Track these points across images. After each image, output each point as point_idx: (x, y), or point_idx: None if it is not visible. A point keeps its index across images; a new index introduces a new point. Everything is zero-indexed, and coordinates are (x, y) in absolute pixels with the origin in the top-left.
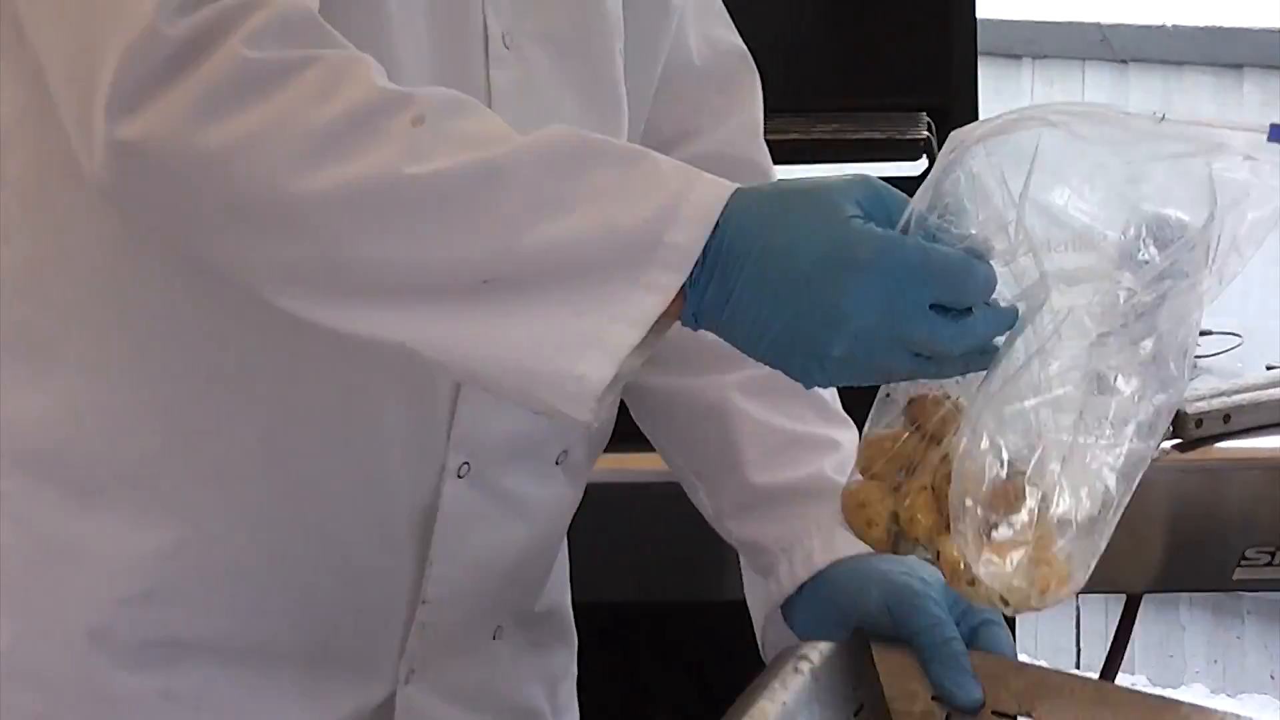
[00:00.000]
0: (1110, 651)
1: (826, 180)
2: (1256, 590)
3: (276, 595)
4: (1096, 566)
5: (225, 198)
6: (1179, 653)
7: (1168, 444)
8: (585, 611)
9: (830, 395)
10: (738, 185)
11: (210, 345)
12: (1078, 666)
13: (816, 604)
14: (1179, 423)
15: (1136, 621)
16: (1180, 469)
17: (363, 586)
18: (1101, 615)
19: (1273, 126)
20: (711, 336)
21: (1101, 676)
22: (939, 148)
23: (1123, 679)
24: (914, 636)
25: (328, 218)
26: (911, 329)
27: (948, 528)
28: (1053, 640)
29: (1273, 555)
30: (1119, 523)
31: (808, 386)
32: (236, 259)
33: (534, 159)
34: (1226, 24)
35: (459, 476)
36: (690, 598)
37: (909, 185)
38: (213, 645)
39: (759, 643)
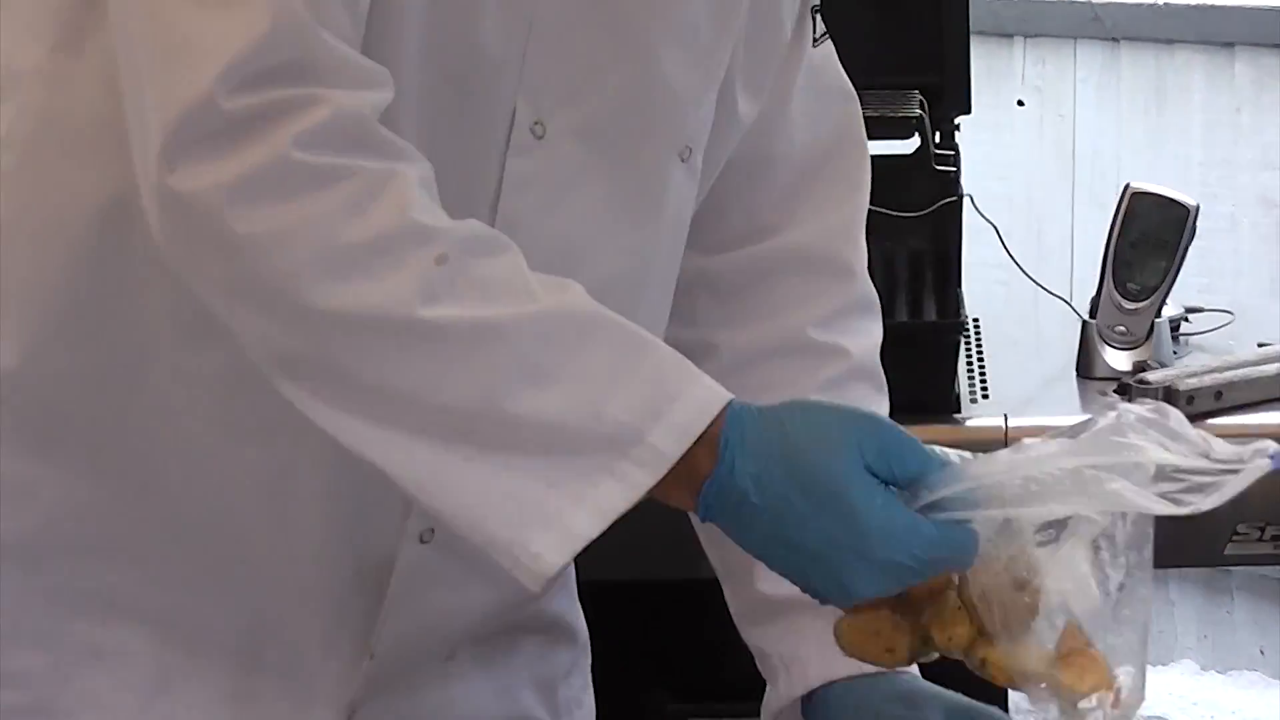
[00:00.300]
0: None
1: (833, 418)
2: (1248, 565)
3: (225, 578)
4: None
5: (246, 280)
6: (1169, 629)
7: None
8: (590, 590)
9: None
10: (731, 398)
11: (187, 352)
12: None
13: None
14: (1171, 399)
15: None
16: None
17: (315, 610)
18: None
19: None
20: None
21: None
22: (931, 126)
23: None
24: None
25: (334, 332)
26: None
27: (985, 634)
28: None
29: (1263, 530)
30: None
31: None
32: (249, 334)
33: (535, 325)
34: (1219, 2)
35: (421, 541)
36: (696, 574)
37: (901, 162)
38: (147, 613)
39: None
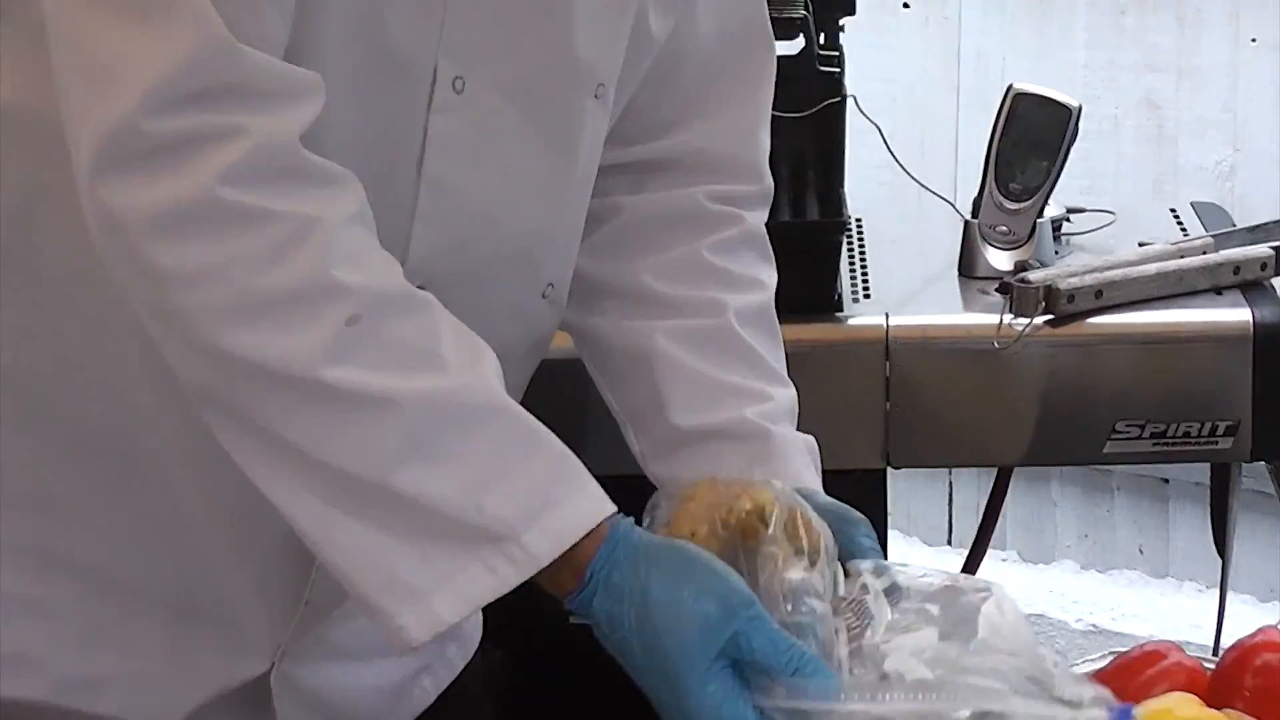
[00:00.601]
0: (981, 525)
1: (698, 590)
2: (1127, 463)
3: (157, 533)
4: (969, 439)
5: (163, 307)
6: (1050, 528)
7: (1040, 319)
8: None
9: (771, 354)
10: (614, 514)
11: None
12: (949, 543)
13: None
14: (1051, 299)
15: (1008, 497)
16: (1052, 344)
17: (248, 562)
18: (974, 490)
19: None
20: (648, 284)
21: (972, 551)
22: (815, 27)
23: (993, 555)
24: None
25: (239, 375)
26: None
27: None
28: (925, 517)
29: (1143, 428)
30: (992, 397)
31: None
32: (167, 351)
33: (432, 403)
34: None
35: None
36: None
37: (786, 63)
38: (83, 567)
39: None
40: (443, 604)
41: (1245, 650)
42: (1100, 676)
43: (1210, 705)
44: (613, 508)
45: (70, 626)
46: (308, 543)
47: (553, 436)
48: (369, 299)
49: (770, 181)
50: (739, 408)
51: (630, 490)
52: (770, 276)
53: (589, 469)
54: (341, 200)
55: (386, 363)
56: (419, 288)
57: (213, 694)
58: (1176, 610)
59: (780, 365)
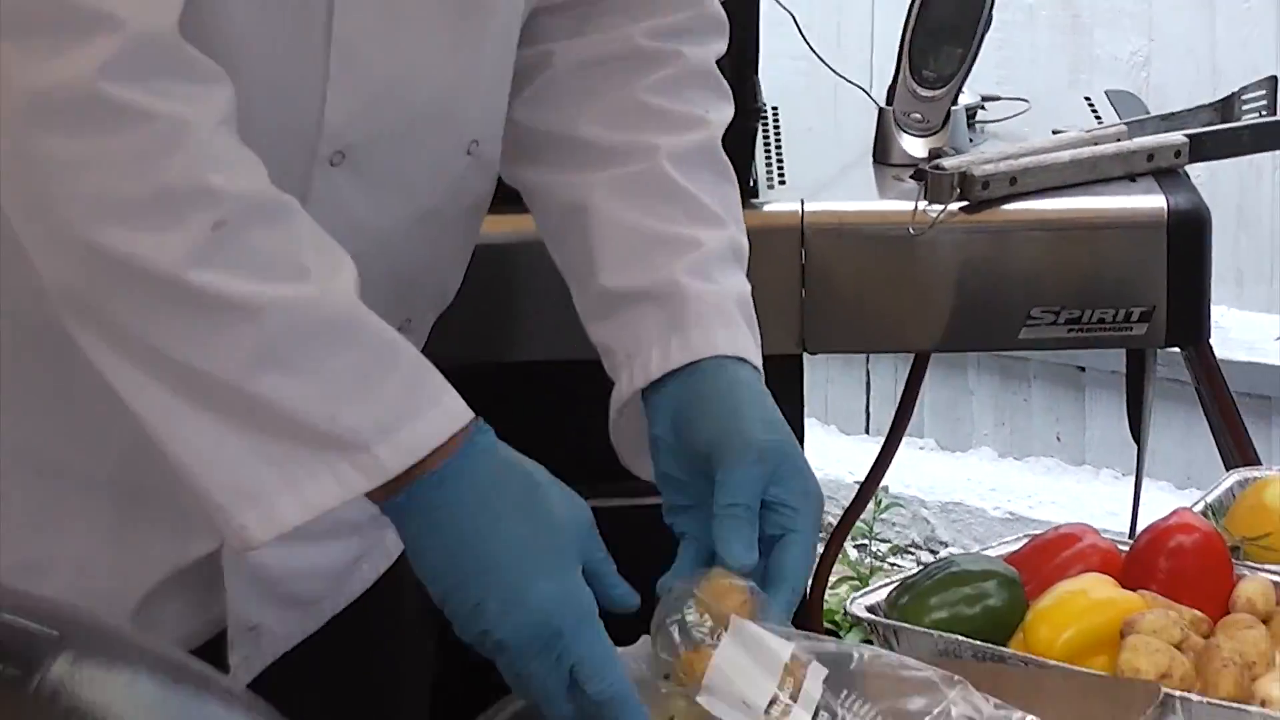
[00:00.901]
0: (897, 413)
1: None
2: (1042, 349)
3: (92, 414)
4: (885, 325)
5: (34, 193)
6: (966, 416)
7: (955, 206)
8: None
9: (710, 194)
10: (471, 426)
11: None
12: (867, 431)
13: (666, 405)
14: (966, 184)
15: (925, 386)
16: (967, 230)
17: None
18: (891, 379)
19: None
20: (584, 133)
21: (888, 439)
22: None
23: (910, 443)
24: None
25: (100, 272)
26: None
27: None
28: (844, 404)
29: (1057, 315)
30: (907, 283)
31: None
32: (30, 244)
33: (291, 316)
34: None
35: None
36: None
37: None
38: (21, 450)
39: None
40: (286, 507)
41: (1159, 532)
42: (1015, 559)
43: (1125, 587)
44: (468, 417)
45: (14, 512)
46: (154, 438)
47: (411, 349)
48: (236, 205)
49: (717, 8)
50: (669, 262)
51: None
52: (719, 112)
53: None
54: (214, 100)
55: (250, 269)
56: (337, 153)
57: (163, 576)
58: (1093, 497)
59: (724, 205)
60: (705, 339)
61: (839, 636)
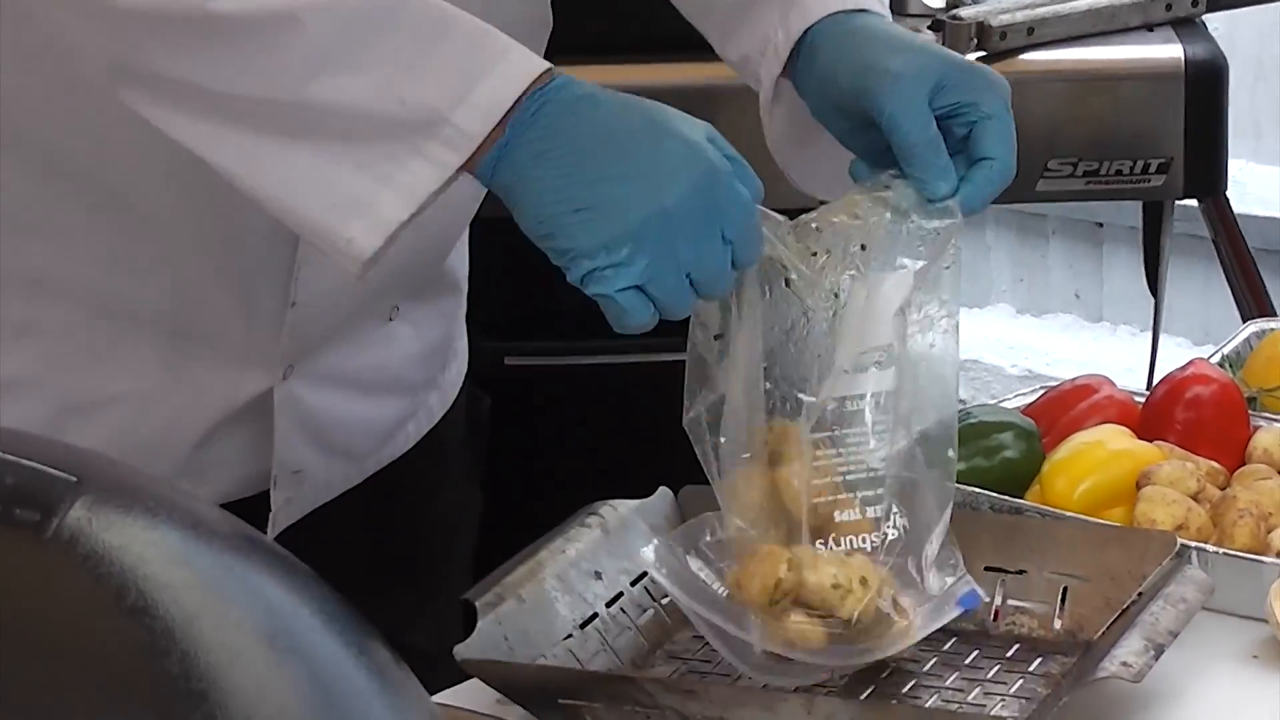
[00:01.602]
0: None
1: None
2: (1060, 200)
3: (142, 253)
4: None
5: None
6: (985, 273)
7: (972, 56)
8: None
9: None
10: (547, 75)
11: None
12: None
13: (810, 79)
14: (983, 35)
15: None
16: None
17: (232, 273)
18: None
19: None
20: None
21: None
22: None
23: None
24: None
25: (135, 31)
26: (714, 222)
27: None
28: None
29: (1074, 166)
30: None
31: (566, 268)
32: (79, 40)
33: (334, 13)
34: None
35: None
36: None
37: None
38: (73, 289)
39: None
40: (387, 204)
41: (1176, 383)
42: (1031, 411)
43: (1141, 438)
44: (543, 65)
45: (65, 348)
46: (246, 191)
47: (464, 14)
48: None
49: None
50: None
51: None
52: None
53: None
54: None
55: None
56: None
57: (218, 417)
58: (1111, 353)
59: None
60: (819, 2)
61: None
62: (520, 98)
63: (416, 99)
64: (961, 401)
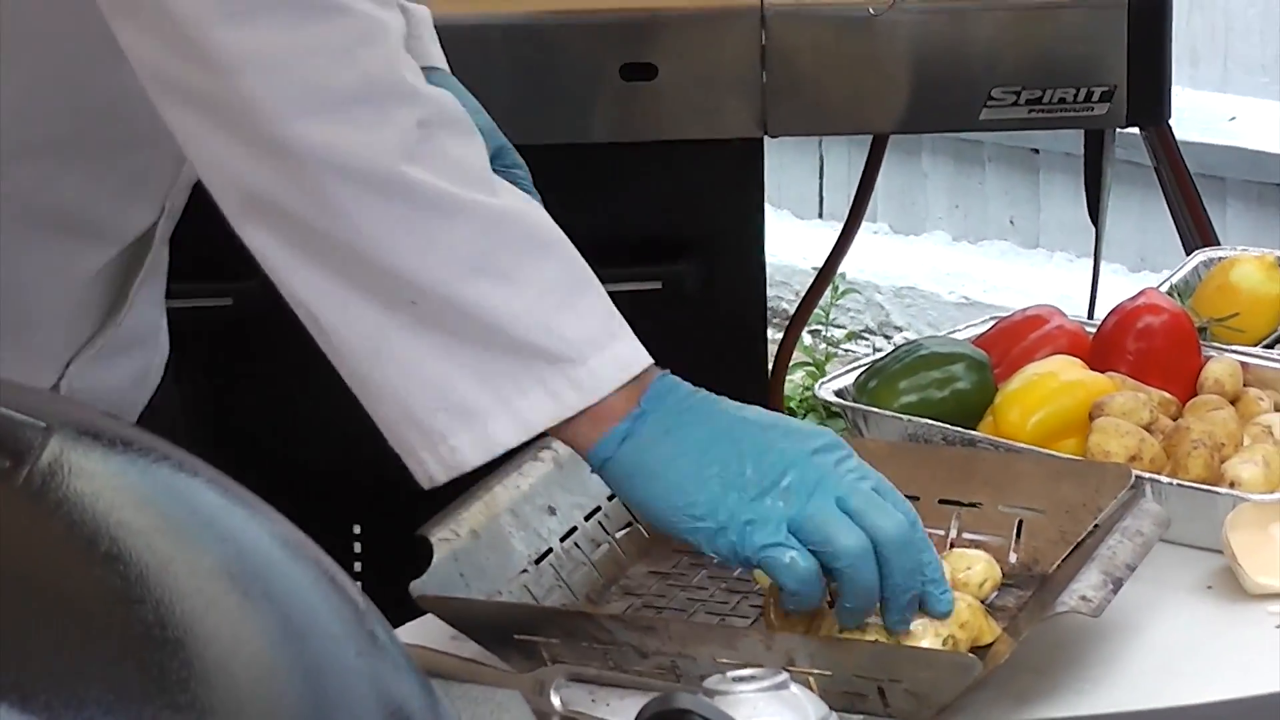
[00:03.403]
0: (856, 197)
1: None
2: (1002, 130)
3: None
4: (846, 109)
5: (222, 98)
6: (921, 200)
7: None
8: None
9: None
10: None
11: None
12: (820, 216)
13: None
14: None
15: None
16: (926, 10)
17: (49, 300)
18: (844, 163)
19: None
20: None
21: (847, 223)
22: None
23: (865, 228)
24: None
25: (306, 170)
26: (834, 493)
27: None
28: (796, 189)
29: (1018, 95)
30: (867, 64)
31: (711, 550)
32: (209, 152)
33: (501, 220)
34: None
35: None
36: None
37: None
38: None
39: None
40: (501, 426)
41: (1126, 314)
42: (982, 342)
43: (1092, 368)
44: (649, 359)
45: None
46: (353, 362)
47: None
48: (433, 108)
49: None
50: None
51: None
52: None
53: None
54: (395, 12)
55: (452, 174)
56: None
57: None
58: (1047, 281)
59: None
60: None
61: None
62: (646, 371)
63: (561, 330)
64: (898, 330)
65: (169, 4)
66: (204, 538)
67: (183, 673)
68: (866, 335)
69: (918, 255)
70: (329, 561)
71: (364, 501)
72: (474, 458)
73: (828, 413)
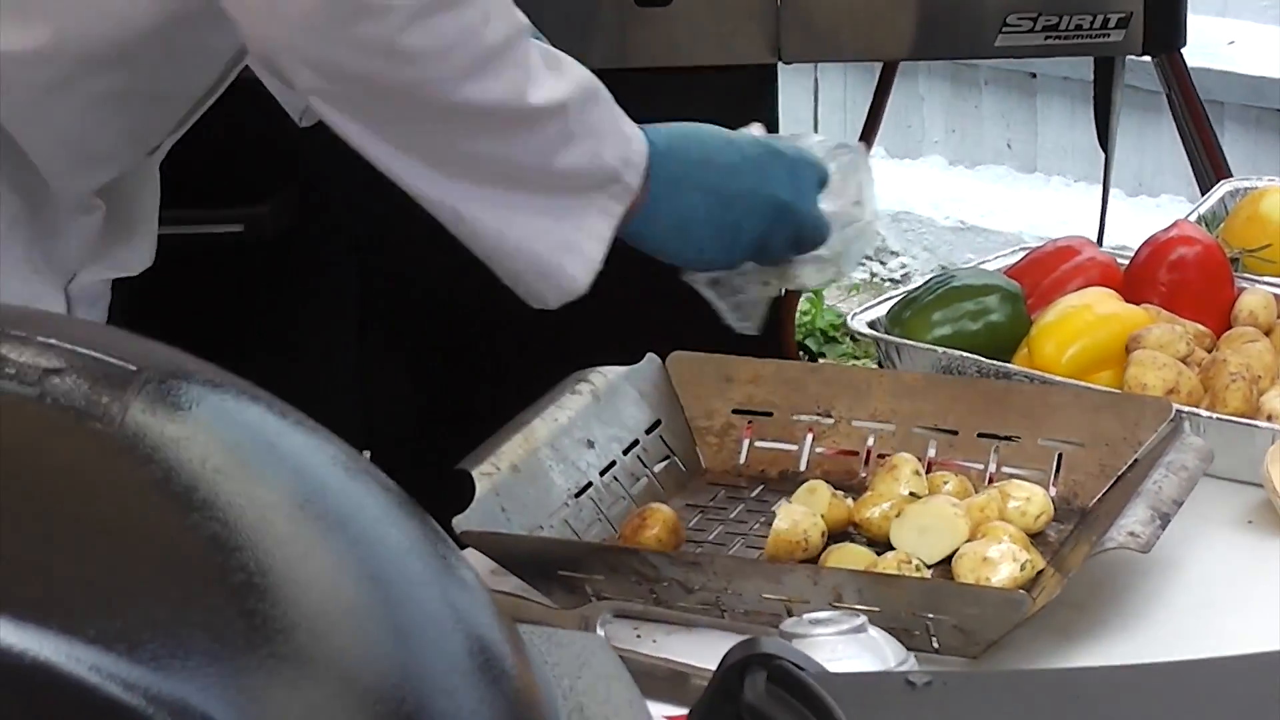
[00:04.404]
0: (866, 122)
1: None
2: (1017, 56)
3: None
4: (861, 35)
5: (399, 80)
6: (917, 124)
7: None
8: None
9: None
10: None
11: None
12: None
13: None
14: None
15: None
16: None
17: None
18: (839, 86)
19: None
20: None
21: None
22: None
23: None
24: None
25: (471, 118)
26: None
27: None
28: (791, 111)
29: (1034, 21)
30: None
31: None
32: (381, 117)
33: (577, 97)
34: None
35: None
36: None
37: None
38: None
39: None
40: (591, 248)
41: (1159, 245)
42: (1013, 272)
43: (1126, 300)
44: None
45: None
46: (484, 235)
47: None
48: (527, 26)
49: None
50: None
51: None
52: None
53: None
54: None
55: (560, 77)
56: None
57: None
58: (1045, 205)
59: None
60: None
61: (811, 358)
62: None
63: (605, 161)
64: (894, 254)
65: (380, 9)
66: (297, 482)
67: (284, 621)
68: (862, 261)
69: (914, 179)
70: (414, 503)
71: (373, 426)
72: (587, 279)
73: (851, 340)
